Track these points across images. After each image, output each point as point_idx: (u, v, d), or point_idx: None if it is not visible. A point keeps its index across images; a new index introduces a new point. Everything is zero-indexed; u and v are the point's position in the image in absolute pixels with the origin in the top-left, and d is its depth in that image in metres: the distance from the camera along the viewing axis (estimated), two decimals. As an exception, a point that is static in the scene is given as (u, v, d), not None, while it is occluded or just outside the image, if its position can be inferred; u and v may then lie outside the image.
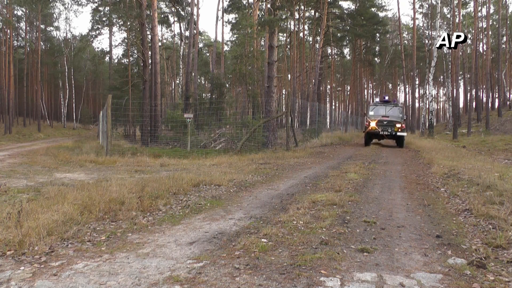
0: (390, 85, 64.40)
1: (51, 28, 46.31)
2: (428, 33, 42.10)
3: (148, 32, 20.91)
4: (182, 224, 4.07)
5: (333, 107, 60.25)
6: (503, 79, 39.34)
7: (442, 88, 60.88)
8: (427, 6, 42.05)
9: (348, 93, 53.43)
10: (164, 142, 17.73)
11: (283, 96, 46.79)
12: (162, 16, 37.09)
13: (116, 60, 34.04)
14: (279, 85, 42.33)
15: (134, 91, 25.52)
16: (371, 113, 17.65)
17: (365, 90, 60.64)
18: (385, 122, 16.37)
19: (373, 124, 16.42)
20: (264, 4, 23.88)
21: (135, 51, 25.86)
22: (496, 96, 40.21)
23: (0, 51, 34.13)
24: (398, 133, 16.13)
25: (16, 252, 3.03)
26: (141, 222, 4.10)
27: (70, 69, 43.93)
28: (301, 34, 37.30)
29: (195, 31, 27.50)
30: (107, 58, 33.85)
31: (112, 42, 30.92)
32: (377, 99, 19.64)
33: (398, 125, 16.19)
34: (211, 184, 6.42)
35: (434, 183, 6.83)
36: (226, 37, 53.30)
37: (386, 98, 18.35)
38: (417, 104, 47.48)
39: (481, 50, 39.11)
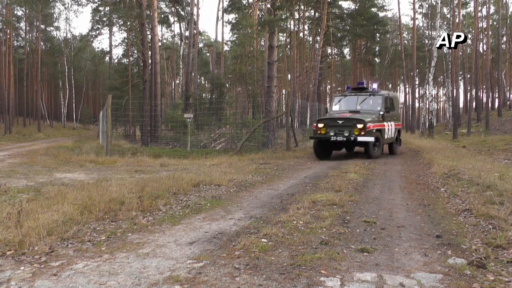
0: (390, 85, 64.39)
1: (51, 28, 46.34)
2: (428, 33, 42.11)
3: (148, 32, 20.93)
4: (182, 224, 4.07)
5: (333, 107, 60.05)
6: (503, 79, 39.36)
7: (442, 88, 60.85)
8: (427, 6, 42.06)
9: (348, 93, 53.23)
10: (164, 142, 17.76)
11: (283, 96, 46.80)
12: (162, 16, 37.11)
13: (116, 60, 34.08)
14: (279, 85, 42.34)
15: (134, 91, 25.56)
16: (335, 107, 12.39)
17: (365, 90, 60.46)
18: (340, 122, 10.95)
19: (321, 126, 11.26)
20: (264, 4, 23.89)
21: (135, 51, 25.89)
22: (496, 96, 40.24)
23: (0, 51, 34.13)
24: (360, 138, 10.54)
25: (16, 252, 3.03)
26: (141, 222, 4.10)
27: (70, 69, 43.95)
28: (301, 34, 37.32)
29: (195, 31, 27.50)
30: (107, 58, 33.87)
31: (112, 42, 30.96)
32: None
33: (360, 125, 10.58)
34: (211, 184, 6.42)
35: (434, 183, 6.83)
36: (226, 37, 53.35)
37: (363, 84, 12.75)
38: (417, 104, 47.49)
39: (481, 50, 39.14)
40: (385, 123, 11.70)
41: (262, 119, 16.22)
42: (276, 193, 5.87)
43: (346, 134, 10.78)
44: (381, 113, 11.58)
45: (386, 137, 11.79)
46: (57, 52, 44.16)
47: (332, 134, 11.01)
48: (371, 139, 10.73)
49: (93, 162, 10.55)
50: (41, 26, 38.97)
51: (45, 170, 8.78)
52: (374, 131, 10.92)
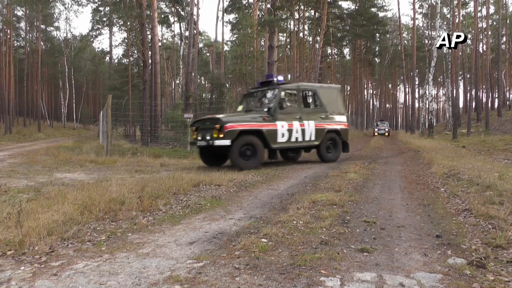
0: (390, 85, 64.37)
1: (51, 28, 46.43)
2: (428, 33, 42.14)
3: (148, 32, 20.95)
4: (182, 224, 4.07)
5: (333, 107, 59.91)
6: (503, 79, 39.38)
7: (442, 88, 60.89)
8: (427, 6, 42.09)
9: (348, 93, 53.43)
10: (164, 142, 17.76)
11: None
12: (162, 16, 37.16)
13: (116, 60, 34.14)
14: (279, 85, 42.26)
15: (134, 91, 25.59)
16: (240, 107, 11.03)
17: (365, 90, 60.61)
18: (207, 124, 9.44)
19: (194, 129, 10.01)
20: (264, 4, 23.91)
21: (135, 51, 25.93)
22: (496, 96, 40.26)
23: (0, 51, 34.16)
24: (216, 142, 8.77)
25: (16, 252, 3.03)
26: (141, 222, 4.10)
27: (70, 69, 43.98)
28: (301, 34, 37.34)
29: (195, 31, 27.51)
30: (107, 58, 33.93)
31: (112, 42, 31.03)
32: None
33: (218, 126, 8.81)
34: (211, 184, 6.42)
35: (434, 183, 6.83)
36: (226, 37, 53.33)
37: (272, 77, 10.67)
38: (417, 104, 47.50)
39: (481, 50, 39.16)
40: (278, 123, 9.57)
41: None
42: (276, 193, 5.87)
43: (208, 138, 9.08)
44: (266, 110, 9.65)
45: (281, 140, 9.67)
46: (57, 52, 44.24)
47: (199, 138, 9.46)
48: (226, 142, 8.69)
49: (93, 162, 10.55)
50: (41, 26, 39.00)
51: (45, 170, 8.78)
52: (238, 132, 8.82)
